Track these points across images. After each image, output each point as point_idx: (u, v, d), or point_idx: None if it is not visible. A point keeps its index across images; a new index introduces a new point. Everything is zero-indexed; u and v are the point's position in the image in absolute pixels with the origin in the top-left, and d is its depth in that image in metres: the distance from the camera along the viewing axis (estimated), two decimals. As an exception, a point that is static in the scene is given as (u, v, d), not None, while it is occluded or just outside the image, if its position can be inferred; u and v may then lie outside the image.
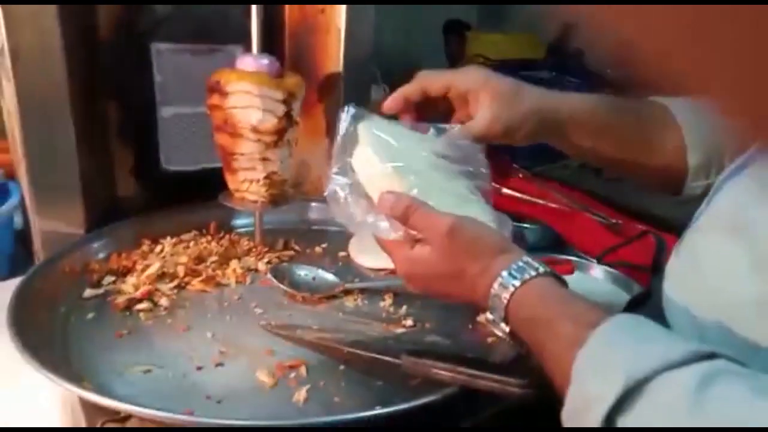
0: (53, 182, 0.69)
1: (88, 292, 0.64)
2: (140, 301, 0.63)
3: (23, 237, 0.79)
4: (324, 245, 0.79)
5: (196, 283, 0.67)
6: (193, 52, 0.78)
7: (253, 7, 0.67)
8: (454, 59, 1.64)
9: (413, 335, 0.61)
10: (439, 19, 1.67)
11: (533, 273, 0.45)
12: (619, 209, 0.95)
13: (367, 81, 0.91)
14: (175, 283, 0.66)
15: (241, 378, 0.53)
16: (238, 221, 0.81)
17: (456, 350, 0.58)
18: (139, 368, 0.53)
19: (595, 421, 0.34)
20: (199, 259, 0.71)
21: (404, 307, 0.65)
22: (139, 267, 0.68)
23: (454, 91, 0.58)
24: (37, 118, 0.66)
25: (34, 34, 0.63)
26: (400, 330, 0.62)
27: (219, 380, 0.53)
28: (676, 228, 0.53)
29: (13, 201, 0.79)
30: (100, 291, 0.65)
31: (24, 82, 0.64)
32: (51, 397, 0.56)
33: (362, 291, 0.68)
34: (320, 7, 0.81)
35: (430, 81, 0.59)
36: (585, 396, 0.36)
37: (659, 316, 0.47)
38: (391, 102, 0.59)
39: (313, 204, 0.84)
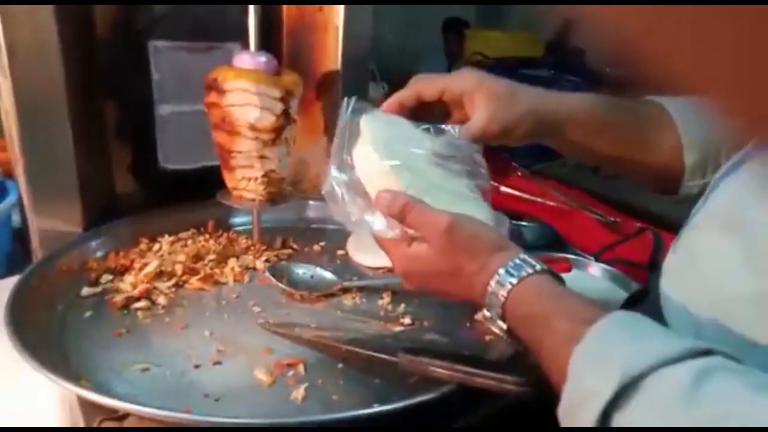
0: (51, 181, 0.69)
1: (86, 291, 0.64)
2: (138, 299, 0.63)
3: (21, 235, 0.79)
4: (322, 243, 0.79)
5: (194, 282, 0.67)
6: (191, 49, 0.78)
7: (251, 6, 0.67)
8: (453, 57, 1.64)
9: (411, 333, 0.61)
10: (438, 17, 1.67)
11: (530, 270, 0.45)
12: (618, 207, 0.95)
13: (365, 79, 0.91)
14: (173, 281, 0.66)
15: (239, 376, 0.53)
16: (236, 219, 0.81)
17: (454, 348, 0.58)
18: (137, 367, 0.53)
19: (591, 417, 0.34)
20: (197, 258, 0.71)
21: (402, 306, 0.65)
22: (137, 265, 0.68)
23: (449, 94, 0.59)
24: (34, 116, 0.66)
25: (31, 32, 0.63)
26: (398, 328, 0.62)
27: (217, 378, 0.53)
28: (674, 226, 0.53)
29: (10, 199, 0.79)
30: (98, 289, 0.65)
31: (21, 79, 0.64)
32: (49, 395, 0.56)
33: (360, 289, 0.68)
34: (318, 5, 0.81)
35: (425, 85, 0.59)
36: (581, 391, 0.36)
37: (656, 314, 0.47)
38: (387, 108, 0.59)
39: (312, 202, 0.84)
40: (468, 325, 0.62)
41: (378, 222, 0.51)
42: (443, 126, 0.58)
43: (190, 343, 0.57)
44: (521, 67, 1.27)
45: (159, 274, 0.66)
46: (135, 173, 0.80)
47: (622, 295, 0.71)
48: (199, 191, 0.75)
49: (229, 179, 0.71)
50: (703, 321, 0.42)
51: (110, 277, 0.66)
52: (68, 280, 0.65)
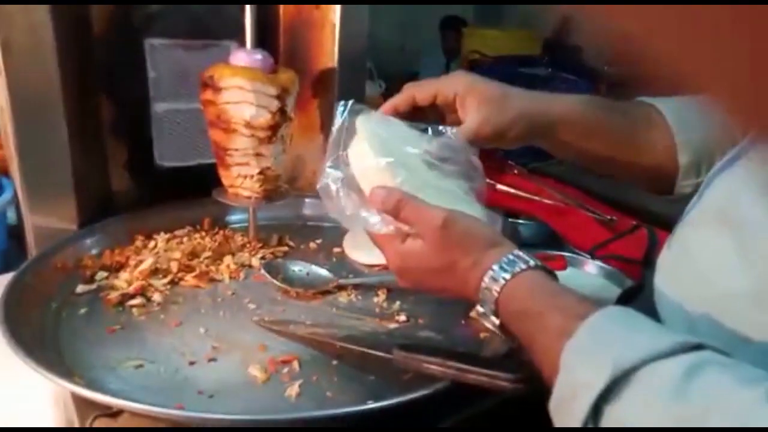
0: (46, 178, 0.69)
1: (81, 288, 0.64)
2: (133, 296, 0.62)
3: (17, 233, 0.79)
4: (318, 241, 0.79)
5: (189, 279, 0.67)
6: (187, 47, 0.78)
7: (247, 5, 0.67)
8: (451, 55, 1.64)
9: (406, 330, 0.61)
10: (435, 15, 1.67)
11: (523, 266, 0.45)
12: (614, 205, 0.95)
13: (362, 77, 0.91)
14: (169, 278, 0.66)
15: (234, 373, 0.53)
16: (233, 217, 0.81)
17: (448, 345, 0.58)
18: (131, 363, 0.53)
19: (582, 409, 0.34)
20: (193, 255, 0.71)
21: (398, 303, 0.65)
22: (132, 263, 0.68)
23: (442, 97, 0.59)
24: (29, 113, 0.66)
25: (26, 29, 0.63)
26: (393, 325, 0.62)
27: (211, 375, 0.53)
28: (671, 223, 0.53)
29: (6, 196, 0.79)
30: (93, 287, 0.64)
31: (16, 77, 0.64)
32: (43, 392, 0.56)
33: (356, 287, 0.68)
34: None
35: (418, 90, 0.60)
36: (572, 384, 0.36)
37: (651, 310, 0.47)
38: (383, 112, 0.60)
39: (308, 200, 0.84)
40: (463, 322, 0.62)
41: (372, 218, 0.51)
42: (440, 127, 0.58)
43: (184, 340, 0.57)
44: (519, 66, 1.27)
45: (154, 272, 0.66)
46: (131, 171, 0.80)
47: (618, 292, 0.71)
48: (195, 189, 0.75)
49: (225, 177, 0.71)
50: (697, 317, 0.43)
51: (105, 274, 0.66)
52: (63, 278, 0.64)
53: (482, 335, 0.59)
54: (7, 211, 0.81)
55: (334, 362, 0.55)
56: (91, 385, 0.49)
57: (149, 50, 0.76)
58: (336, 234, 0.76)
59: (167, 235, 0.74)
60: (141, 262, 0.67)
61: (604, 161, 0.61)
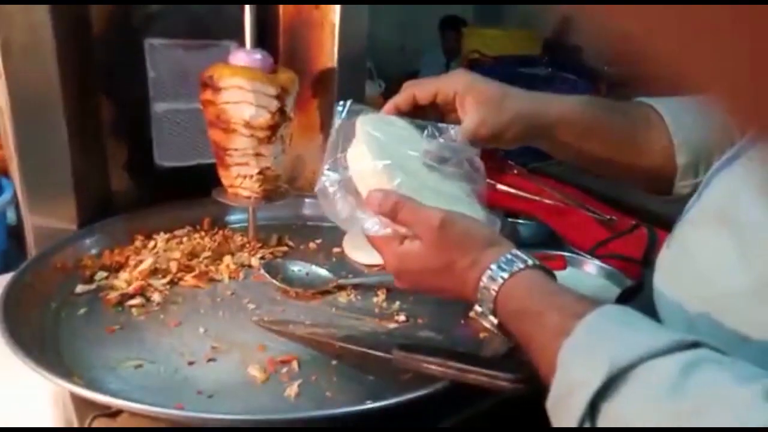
0: (46, 178, 0.69)
1: (81, 288, 0.64)
2: (133, 296, 0.62)
3: (17, 233, 0.79)
4: (318, 241, 0.79)
5: (189, 279, 0.67)
6: (187, 47, 0.78)
7: (247, 5, 0.67)
8: (451, 55, 1.64)
9: (406, 330, 0.61)
10: (435, 15, 1.68)
11: (522, 265, 0.45)
12: (613, 205, 0.95)
13: (362, 76, 0.91)
14: (168, 278, 0.66)
15: (233, 373, 0.53)
16: (232, 217, 0.81)
17: (448, 345, 0.58)
18: (130, 363, 0.53)
19: (579, 407, 0.35)
20: (193, 255, 0.71)
21: (397, 303, 0.65)
22: (131, 263, 0.68)
23: (442, 96, 0.59)
24: (29, 113, 0.66)
25: (26, 29, 0.63)
26: (392, 325, 0.62)
27: (210, 375, 0.53)
28: (670, 223, 0.53)
29: (5, 197, 0.79)
30: (93, 287, 0.64)
31: (15, 77, 0.64)
32: (42, 392, 0.56)
33: (355, 287, 0.68)
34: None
35: (419, 88, 0.60)
36: (569, 382, 0.36)
37: (650, 309, 0.47)
38: (384, 112, 0.60)
39: (308, 200, 0.84)
40: (462, 322, 0.62)
41: (369, 221, 0.51)
42: (441, 125, 0.58)
43: (184, 340, 0.57)
44: (519, 65, 1.27)
45: (154, 272, 0.66)
46: (130, 171, 0.80)
47: (617, 292, 0.71)
48: (194, 189, 0.75)
49: (225, 177, 0.71)
50: (696, 315, 0.43)
51: (105, 274, 0.66)
52: (63, 278, 0.64)
53: (482, 335, 0.59)
54: (6, 211, 0.81)
55: (334, 362, 0.55)
56: (90, 385, 0.49)
57: (149, 50, 0.76)
58: (336, 234, 0.76)
59: (167, 235, 0.74)
60: (140, 262, 0.67)
61: (603, 162, 0.61)
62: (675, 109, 0.59)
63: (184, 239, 0.74)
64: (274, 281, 0.66)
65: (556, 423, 0.38)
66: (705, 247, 0.44)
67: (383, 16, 1.49)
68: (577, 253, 0.80)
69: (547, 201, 0.96)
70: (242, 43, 0.69)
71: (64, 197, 0.70)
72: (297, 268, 0.70)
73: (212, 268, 0.69)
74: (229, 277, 0.68)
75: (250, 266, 0.71)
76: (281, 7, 0.83)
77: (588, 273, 0.77)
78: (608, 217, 0.90)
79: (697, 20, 0.17)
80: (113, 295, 0.62)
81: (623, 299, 0.59)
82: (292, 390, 0.51)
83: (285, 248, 0.77)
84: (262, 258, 0.73)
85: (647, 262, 0.76)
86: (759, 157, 0.42)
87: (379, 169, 0.52)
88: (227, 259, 0.71)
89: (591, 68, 1.36)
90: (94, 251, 0.69)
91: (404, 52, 1.62)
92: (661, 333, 0.36)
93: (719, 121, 0.54)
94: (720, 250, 0.43)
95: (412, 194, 0.51)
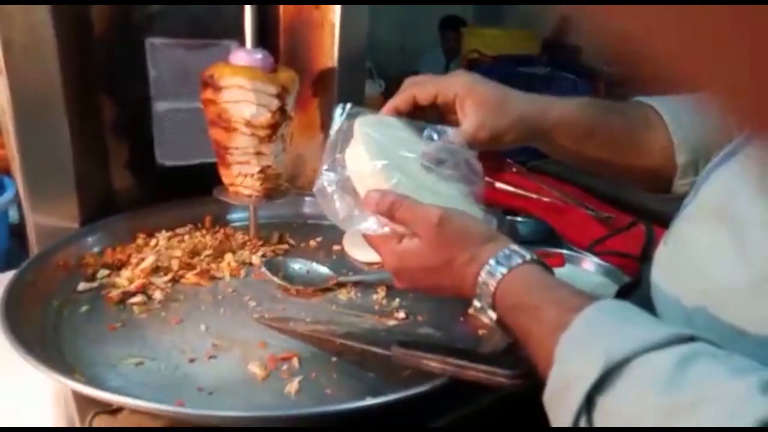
0: (48, 177, 0.69)
1: (82, 286, 0.64)
2: (134, 294, 0.63)
3: (19, 231, 0.80)
4: (318, 239, 0.79)
5: (190, 277, 0.67)
6: (188, 47, 0.78)
7: (247, 5, 0.67)
8: (450, 55, 1.64)
9: (405, 327, 0.61)
10: (435, 15, 1.68)
11: (520, 261, 0.46)
12: (611, 202, 0.95)
13: (362, 76, 0.91)
14: (170, 276, 0.66)
15: (234, 370, 0.54)
16: (233, 215, 0.81)
17: (447, 342, 0.59)
18: (131, 360, 0.54)
19: (576, 400, 0.35)
20: (194, 253, 0.71)
21: (397, 300, 0.65)
22: (133, 261, 0.68)
23: (442, 97, 0.59)
24: (30, 113, 0.66)
25: (27, 29, 0.63)
26: (392, 322, 0.62)
27: (211, 372, 0.53)
28: (667, 220, 0.54)
29: (8, 195, 0.79)
30: (95, 285, 0.65)
31: (17, 76, 0.64)
32: (43, 389, 0.56)
33: (356, 284, 0.68)
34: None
35: (419, 89, 0.60)
36: (566, 376, 0.37)
37: (648, 304, 0.47)
38: (383, 113, 0.60)
39: (308, 198, 0.84)
40: (462, 319, 0.62)
41: (367, 220, 0.52)
42: (440, 126, 0.58)
43: (185, 338, 0.57)
44: (518, 65, 1.27)
45: (155, 269, 0.67)
46: (132, 169, 0.80)
47: (615, 289, 0.71)
48: (195, 187, 0.75)
49: (226, 175, 0.72)
50: (693, 310, 0.43)
51: (107, 272, 0.67)
52: (65, 276, 0.65)
53: (481, 332, 0.60)
54: (9, 209, 0.81)
55: (334, 359, 0.55)
56: (91, 383, 0.49)
57: (150, 49, 0.76)
58: (336, 232, 0.76)
59: (168, 233, 0.74)
60: (142, 260, 0.67)
61: (602, 163, 0.62)
62: (674, 107, 0.59)
63: (186, 237, 0.74)
64: (274, 279, 0.67)
65: (552, 416, 0.38)
66: (702, 243, 0.45)
67: (383, 16, 1.49)
68: (576, 251, 0.80)
69: (546, 199, 0.96)
70: (243, 43, 0.69)
71: (66, 196, 0.70)
72: (298, 265, 0.70)
73: (213, 265, 0.70)
74: (230, 275, 0.69)
75: (251, 264, 0.72)
76: (281, 7, 0.84)
77: (586, 270, 0.77)
78: (606, 214, 0.91)
79: (697, 20, 0.17)
80: (115, 293, 0.62)
81: (621, 296, 0.60)
82: (292, 387, 0.51)
83: (286, 246, 0.77)
84: (263, 256, 0.73)
85: (645, 258, 0.76)
86: (756, 154, 0.43)
87: (377, 169, 0.52)
88: (228, 256, 0.71)
89: (590, 68, 1.36)
90: (95, 249, 0.70)
91: (404, 52, 1.62)
92: (657, 327, 0.36)
93: (718, 119, 0.54)
94: (717, 246, 0.43)
95: (409, 194, 0.51)
